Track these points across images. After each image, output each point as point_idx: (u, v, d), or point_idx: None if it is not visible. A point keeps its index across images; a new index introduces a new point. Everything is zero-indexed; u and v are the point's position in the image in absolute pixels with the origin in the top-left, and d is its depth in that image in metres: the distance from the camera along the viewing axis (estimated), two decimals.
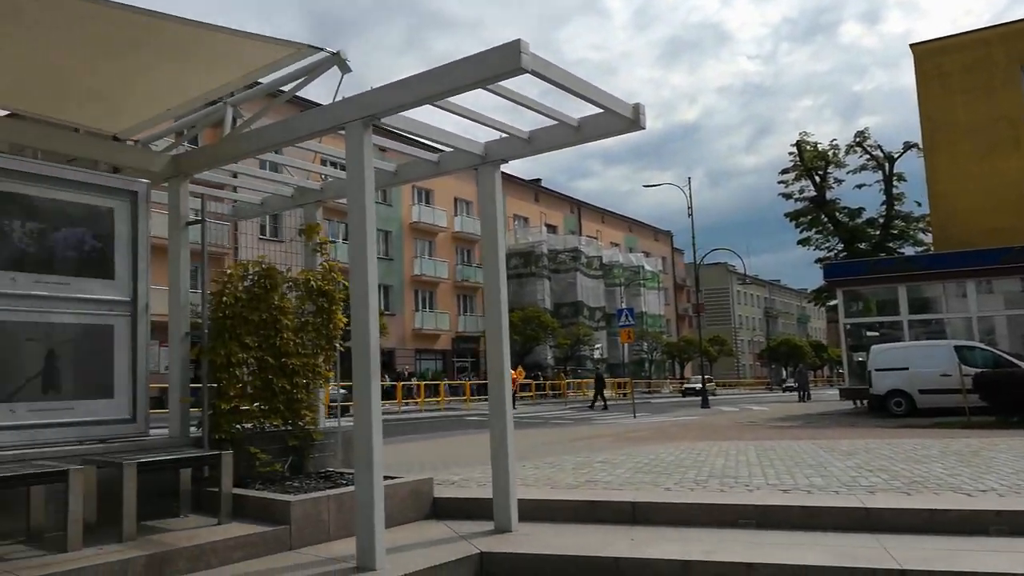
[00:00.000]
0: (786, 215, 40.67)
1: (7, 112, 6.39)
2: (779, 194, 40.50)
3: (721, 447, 11.00)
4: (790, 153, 41.43)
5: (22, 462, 5.13)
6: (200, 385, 6.27)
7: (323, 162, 7.77)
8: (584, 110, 5.33)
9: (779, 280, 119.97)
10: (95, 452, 5.52)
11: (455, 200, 51.50)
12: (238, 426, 6.34)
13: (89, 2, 4.53)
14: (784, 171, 40.71)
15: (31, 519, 5.03)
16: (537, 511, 6.21)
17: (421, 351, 48.12)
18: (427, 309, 48.88)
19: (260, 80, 5.86)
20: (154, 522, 5.47)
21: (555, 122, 5.50)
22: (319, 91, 41.47)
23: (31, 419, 5.44)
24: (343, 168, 5.42)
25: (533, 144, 5.69)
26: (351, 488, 5.84)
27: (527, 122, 5.77)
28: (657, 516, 6.01)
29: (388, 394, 30.53)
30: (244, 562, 5.00)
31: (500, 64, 4.27)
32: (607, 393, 34.28)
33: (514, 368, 32.02)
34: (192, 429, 6.39)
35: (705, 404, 31.08)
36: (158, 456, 5.47)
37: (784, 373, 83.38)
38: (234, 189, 8.07)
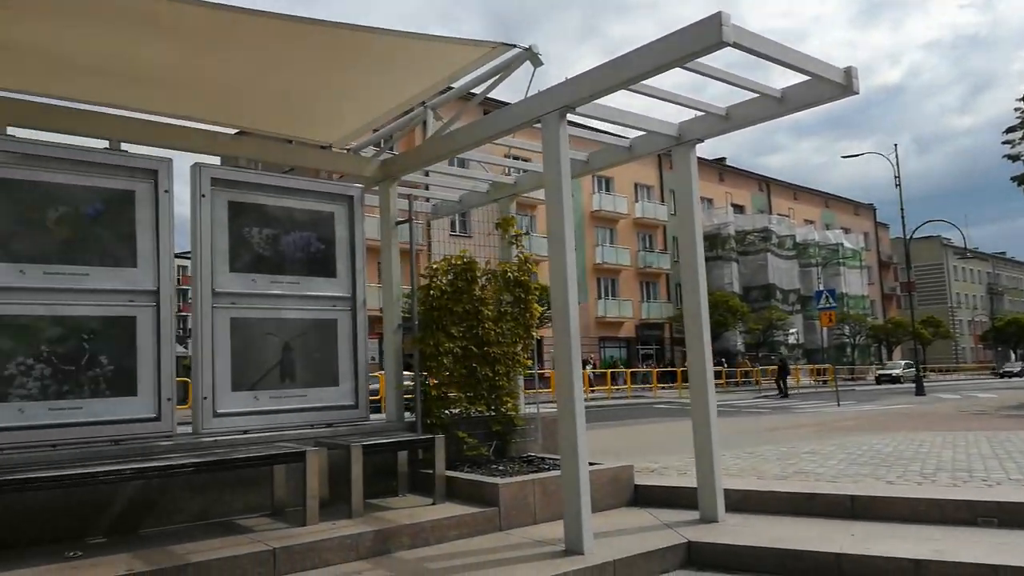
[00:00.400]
0: (1013, 179, 35.95)
1: (236, 131, 7.18)
2: (1003, 156, 35.87)
3: (946, 438, 9.99)
4: (1016, 109, 36.58)
5: (266, 444, 5.76)
6: (412, 373, 6.70)
7: (508, 157, 7.96)
8: (781, 80, 5.04)
9: (1004, 253, 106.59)
10: (325, 435, 6.07)
11: (635, 186, 50.89)
12: (446, 412, 6.70)
13: (303, 24, 4.95)
14: (1009, 129, 35.94)
15: (275, 495, 5.63)
16: (744, 502, 6.00)
17: (605, 339, 48.15)
18: (610, 297, 48.77)
19: (452, 84, 6.12)
20: (376, 500, 5.92)
21: (755, 95, 5.24)
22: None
23: (271, 405, 6.09)
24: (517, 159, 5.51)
25: (731, 120, 5.46)
26: (554, 473, 5.98)
27: (712, 98, 5.56)
28: (879, 511, 5.58)
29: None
30: (459, 540, 5.28)
31: (700, 39, 4.14)
32: (791, 381, 32.31)
33: None
34: (405, 414, 6.84)
35: (920, 391, 28.40)
36: (381, 439, 5.91)
37: (1013, 356, 74.08)
38: (425, 187, 8.49)
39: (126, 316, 5.39)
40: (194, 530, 5.14)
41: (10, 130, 5.18)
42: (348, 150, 7.34)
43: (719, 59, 5.18)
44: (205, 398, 5.74)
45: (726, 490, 5.82)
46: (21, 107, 5.29)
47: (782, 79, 5.03)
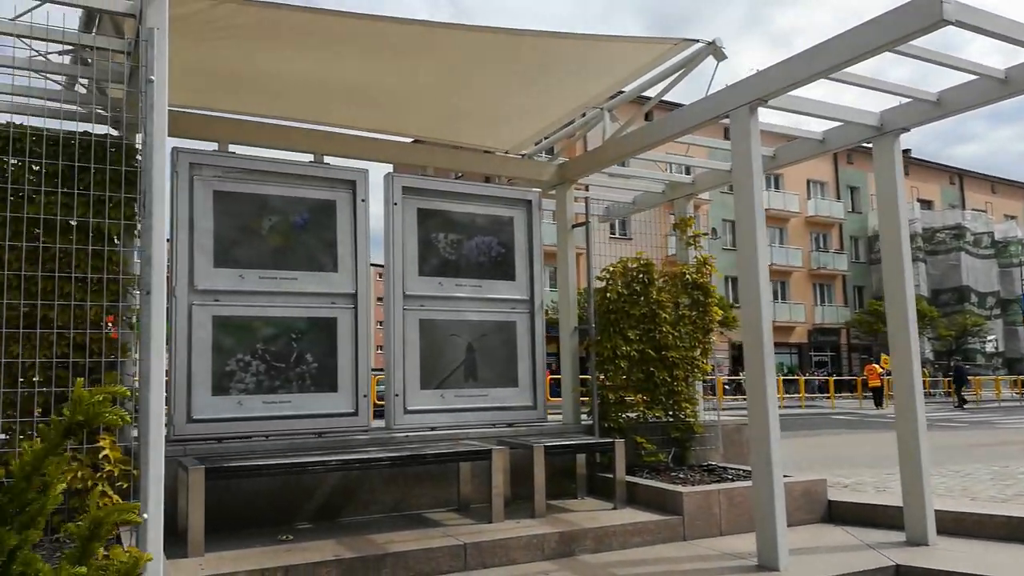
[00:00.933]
0: None
1: (412, 139, 7.50)
2: None
3: None
4: None
5: (452, 440, 5.98)
6: (588, 376, 6.70)
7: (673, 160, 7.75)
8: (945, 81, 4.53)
9: None
10: (507, 435, 6.20)
11: (807, 183, 48.08)
12: (623, 416, 6.62)
13: (487, 32, 5.09)
14: None
15: (460, 491, 5.82)
16: (956, 525, 5.46)
17: (775, 345, 45.81)
18: (780, 300, 46.34)
19: (627, 86, 6.06)
20: (557, 501, 5.96)
21: (973, 77, 4.75)
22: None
23: (456, 404, 6.31)
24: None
25: (943, 107, 4.98)
26: (741, 483, 5.75)
27: (904, 82, 5.08)
28: None
29: (743, 389, 29.64)
30: (642, 548, 5.19)
31: (915, 20, 3.81)
32: (968, 393, 29.04)
33: (876, 360, 28.59)
34: (582, 417, 6.85)
35: None
36: (563, 441, 5.95)
37: None
38: (585, 188, 8.45)
39: (328, 317, 5.79)
40: (388, 521, 5.42)
41: (231, 147, 5.72)
42: (523, 155, 7.47)
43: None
44: (397, 395, 6.04)
45: (936, 511, 5.32)
46: (240, 126, 5.84)
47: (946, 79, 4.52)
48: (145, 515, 3.08)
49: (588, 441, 6.10)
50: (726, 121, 5.03)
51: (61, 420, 1.49)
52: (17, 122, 4.54)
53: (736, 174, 4.88)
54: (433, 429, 6.10)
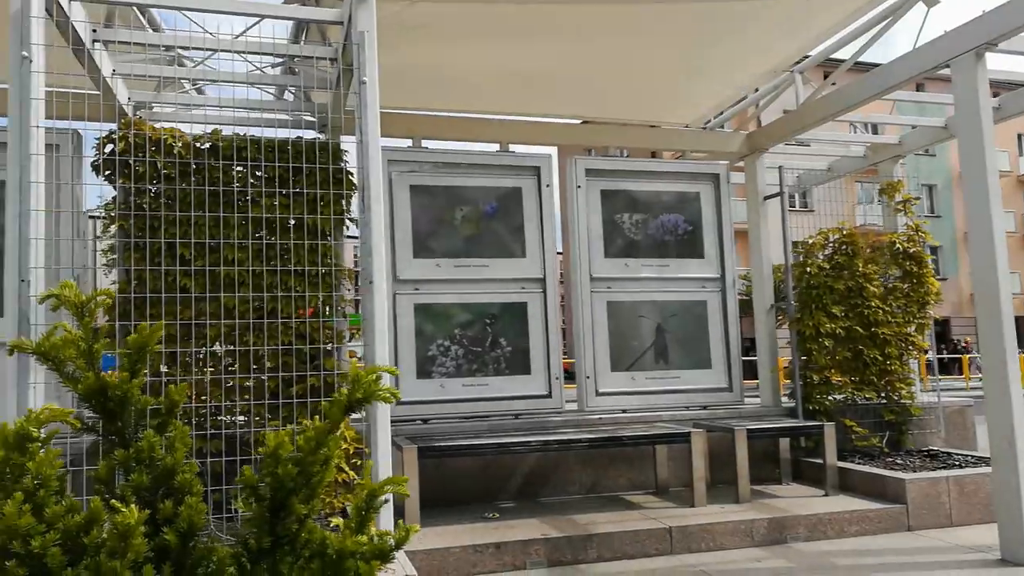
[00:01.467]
0: None
1: (580, 120, 7.41)
2: None
3: None
4: None
5: (647, 423, 5.90)
6: (789, 357, 6.34)
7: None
8: None
9: None
10: (702, 417, 6.02)
11: (1018, 137, 42.76)
12: (829, 398, 6.22)
13: (665, 3, 4.90)
14: None
15: (657, 474, 5.73)
16: None
17: None
18: None
19: (810, 51, 5.62)
20: (760, 487, 5.71)
21: None
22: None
23: (647, 386, 6.21)
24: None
25: None
26: (972, 471, 5.22)
27: None
28: None
29: (946, 368, 27.01)
30: (862, 537, 4.86)
31: None
32: None
33: None
34: (783, 399, 6.51)
35: None
36: (766, 424, 5.68)
37: None
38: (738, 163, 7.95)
39: (519, 302, 5.89)
40: (586, 502, 5.45)
41: (423, 143, 5.96)
42: (704, 127, 7.19)
43: None
44: (588, 377, 6.05)
45: None
46: (430, 122, 6.07)
47: None
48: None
49: (794, 424, 5.78)
50: (945, 71, 4.53)
51: (341, 398, 1.58)
52: (239, 132, 4.98)
53: (963, 129, 4.37)
54: (625, 411, 6.05)
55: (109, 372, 1.66)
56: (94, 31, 3.96)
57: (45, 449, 1.50)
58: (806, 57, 6.16)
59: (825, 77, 5.99)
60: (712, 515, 4.91)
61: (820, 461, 5.56)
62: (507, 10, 4.84)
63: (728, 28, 5.36)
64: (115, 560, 1.36)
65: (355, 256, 5.03)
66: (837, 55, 6.10)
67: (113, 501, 1.39)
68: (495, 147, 6.22)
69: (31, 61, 3.12)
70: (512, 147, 6.17)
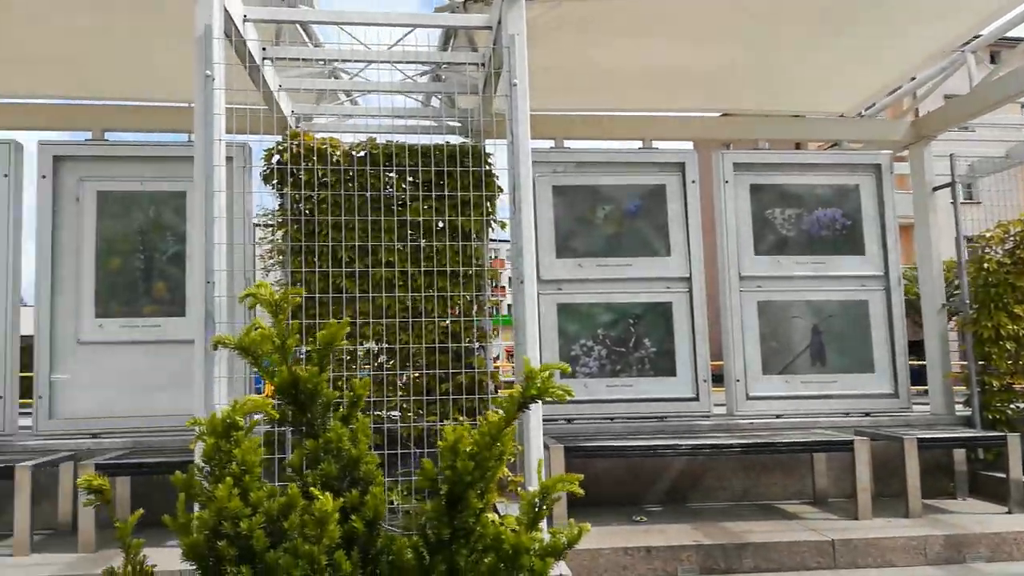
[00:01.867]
0: None
1: (720, 113, 7.10)
2: None
3: None
4: None
5: (803, 429, 5.59)
6: (965, 362, 5.83)
7: None
8: None
9: None
10: (865, 425, 5.64)
11: None
12: (1012, 406, 5.65)
13: None
14: None
15: (815, 483, 5.42)
16: None
17: None
18: None
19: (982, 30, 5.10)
20: (931, 501, 5.28)
21: None
22: None
23: (802, 390, 5.89)
24: None
25: None
26: None
27: None
28: None
29: None
30: None
31: None
32: None
33: None
34: (957, 407, 5.99)
35: None
36: (939, 434, 5.25)
37: None
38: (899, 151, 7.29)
39: (664, 302, 5.77)
40: (738, 509, 5.24)
41: (565, 143, 5.97)
42: (861, 115, 6.74)
43: None
44: (738, 381, 5.82)
45: None
46: (570, 122, 6.07)
47: None
48: (530, 487, 3.29)
49: (972, 434, 5.30)
50: None
51: (515, 396, 1.59)
52: (390, 139, 5.18)
53: None
54: (779, 416, 5.77)
55: (297, 366, 1.76)
56: (263, 48, 4.25)
57: (248, 437, 1.61)
58: (976, 37, 5.64)
59: (992, 60, 5.46)
60: (879, 529, 4.59)
61: (1002, 475, 5.07)
62: (648, 6, 4.74)
63: (888, 7, 4.99)
64: (312, 545, 1.43)
65: (492, 257, 5.10)
66: (1011, 34, 5.54)
67: (312, 489, 1.47)
68: (631, 144, 6.13)
69: (213, 79, 3.38)
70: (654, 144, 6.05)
